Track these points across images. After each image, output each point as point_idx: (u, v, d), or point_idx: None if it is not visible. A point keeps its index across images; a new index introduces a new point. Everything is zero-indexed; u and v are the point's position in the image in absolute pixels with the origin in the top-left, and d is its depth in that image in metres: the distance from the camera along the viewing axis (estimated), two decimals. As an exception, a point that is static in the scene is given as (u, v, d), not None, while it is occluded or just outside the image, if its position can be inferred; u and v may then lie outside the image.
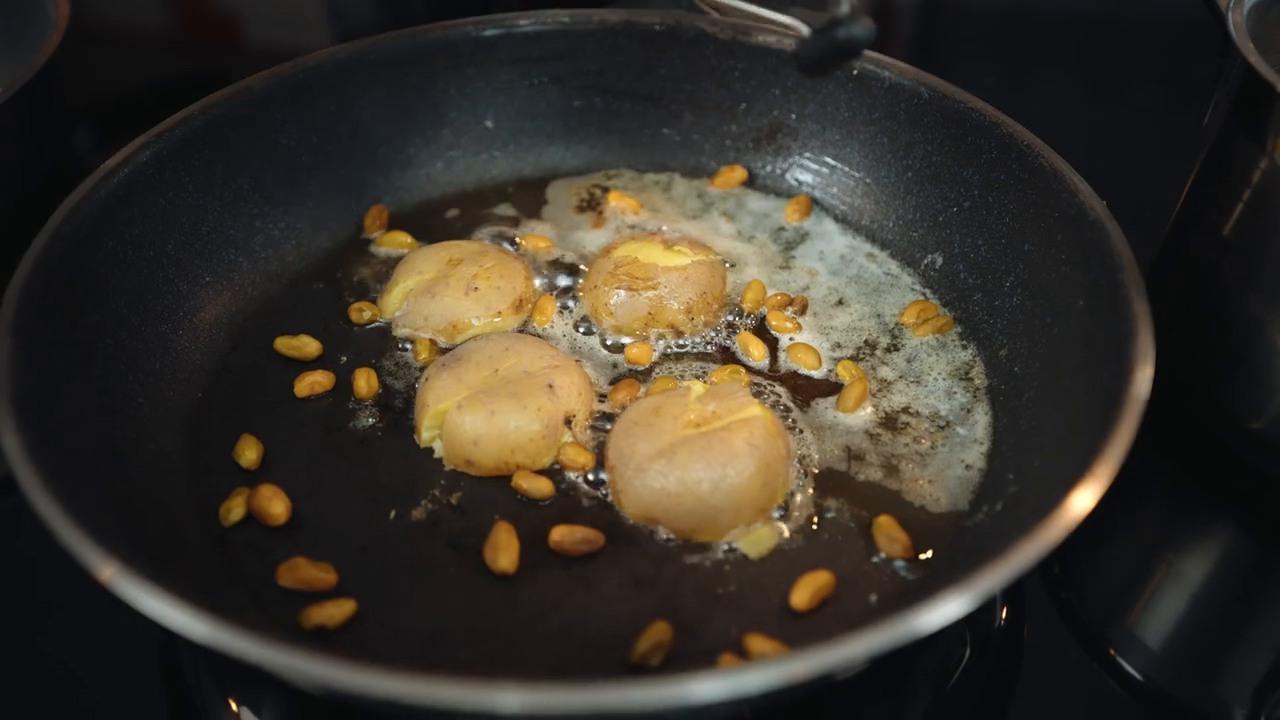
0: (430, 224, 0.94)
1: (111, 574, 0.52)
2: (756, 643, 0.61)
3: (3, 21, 1.07)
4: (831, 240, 0.91)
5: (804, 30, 0.66)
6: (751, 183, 0.97)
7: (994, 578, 0.51)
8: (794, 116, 0.95)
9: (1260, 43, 0.75)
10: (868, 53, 0.89)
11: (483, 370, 0.74)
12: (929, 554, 0.67)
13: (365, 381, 0.78)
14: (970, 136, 0.83)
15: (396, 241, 0.91)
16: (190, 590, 0.53)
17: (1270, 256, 0.72)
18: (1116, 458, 0.56)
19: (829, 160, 0.94)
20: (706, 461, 0.67)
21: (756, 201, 0.96)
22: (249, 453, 0.72)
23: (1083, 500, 0.54)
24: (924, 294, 0.86)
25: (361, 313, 0.84)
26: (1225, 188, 0.76)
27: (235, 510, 0.69)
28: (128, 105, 1.23)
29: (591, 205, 0.96)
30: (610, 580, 0.66)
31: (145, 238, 0.77)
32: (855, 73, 0.90)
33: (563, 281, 0.88)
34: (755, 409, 0.71)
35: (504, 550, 0.66)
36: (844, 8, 0.64)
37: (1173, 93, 1.17)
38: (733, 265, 0.89)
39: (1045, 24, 1.36)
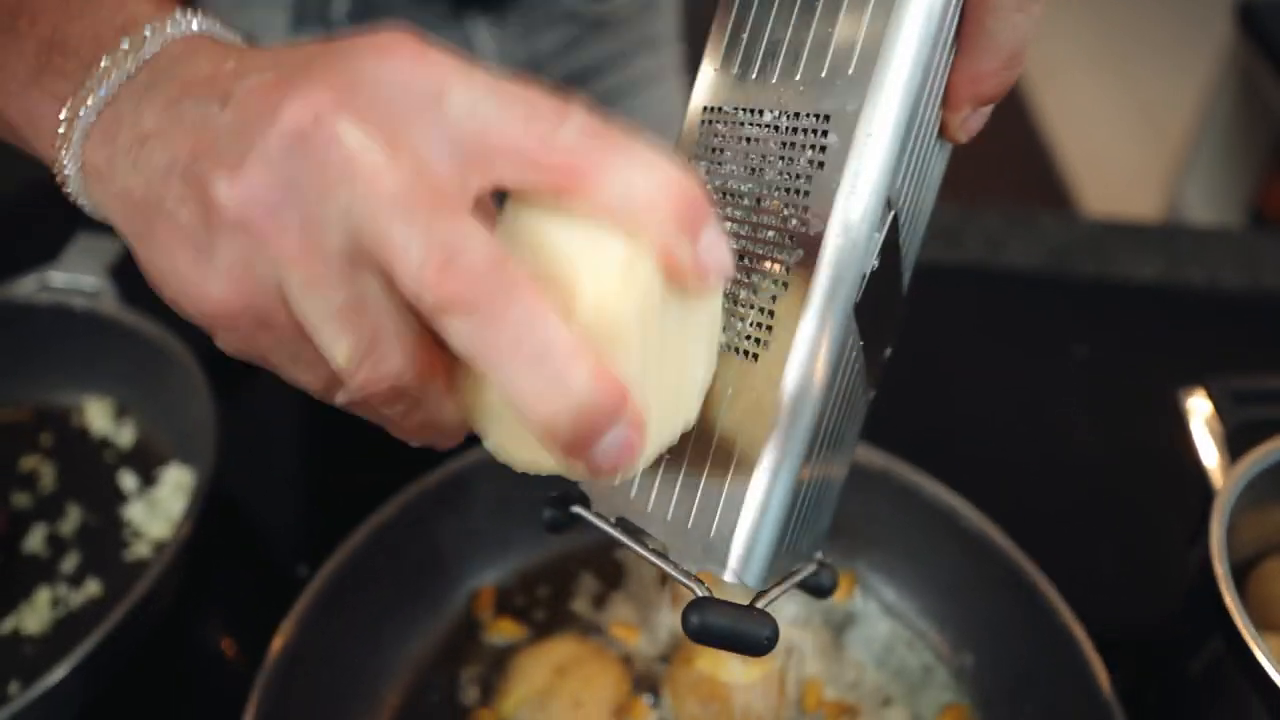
0: (529, 601, 1.09)
1: None
2: None
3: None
4: (875, 625, 1.07)
5: (698, 590, 0.62)
6: (804, 554, 1.12)
7: None
8: (841, 507, 1.10)
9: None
10: (906, 469, 1.05)
11: (597, 808, 0.89)
12: None
13: (495, 804, 0.93)
14: (994, 569, 0.99)
15: (505, 630, 1.06)
16: None
17: (1231, 707, 0.87)
18: None
19: (871, 549, 1.10)
20: None
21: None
22: None
23: None
24: (956, 694, 1.01)
25: (482, 720, 0.99)
26: (1193, 635, 0.91)
27: None
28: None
29: (666, 577, 1.11)
30: None
31: (307, 686, 0.92)
32: (896, 486, 1.06)
33: (651, 674, 1.03)
34: None
35: None
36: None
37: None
38: (791, 654, 1.04)
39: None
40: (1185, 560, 0.94)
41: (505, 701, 0.99)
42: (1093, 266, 1.59)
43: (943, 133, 0.61)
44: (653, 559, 0.65)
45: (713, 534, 0.61)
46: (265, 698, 0.87)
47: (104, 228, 1.35)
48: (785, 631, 1.05)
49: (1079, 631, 0.91)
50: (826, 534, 0.74)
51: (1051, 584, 0.95)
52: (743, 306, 0.61)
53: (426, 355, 0.51)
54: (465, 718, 1.00)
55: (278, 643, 0.91)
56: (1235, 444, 1.00)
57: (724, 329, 0.61)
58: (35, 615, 1.08)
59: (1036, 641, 0.96)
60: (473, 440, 1.09)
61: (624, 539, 0.66)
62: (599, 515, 0.68)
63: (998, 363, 1.43)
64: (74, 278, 1.28)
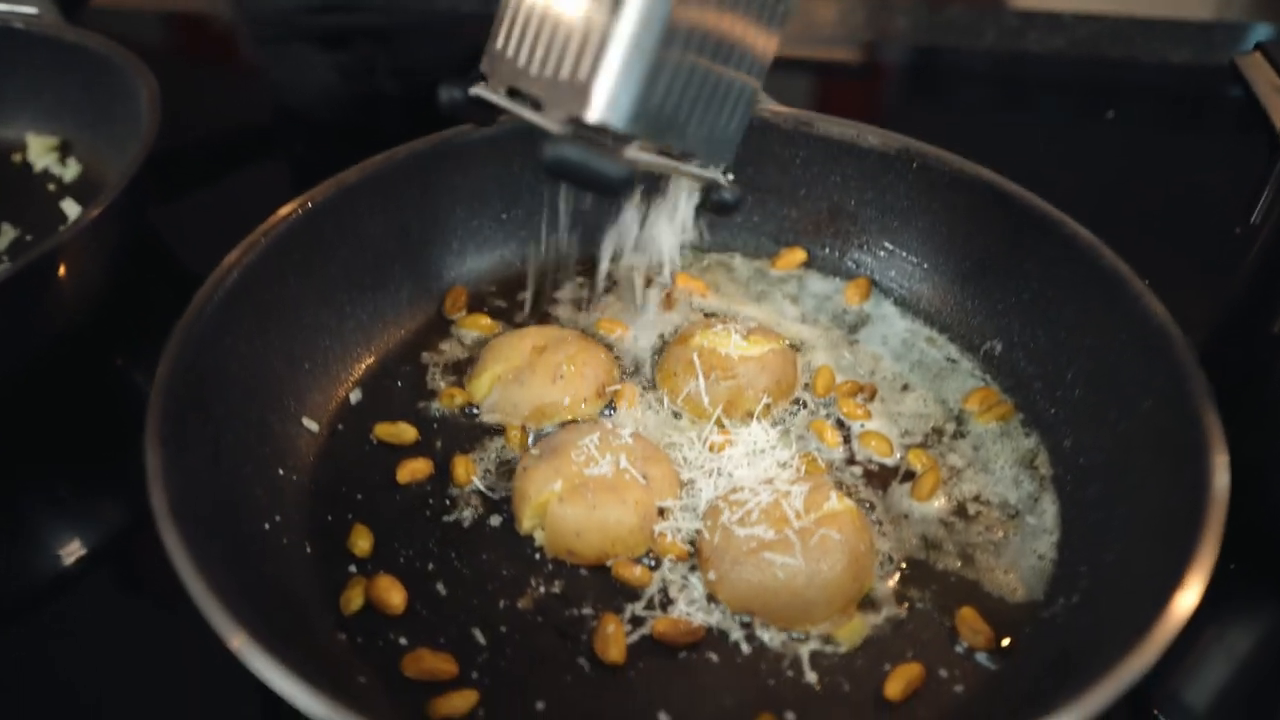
0: (507, 304, 0.98)
1: (241, 642, 0.57)
2: (858, 734, 0.66)
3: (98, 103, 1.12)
4: (892, 324, 0.96)
5: (554, 129, 0.63)
6: (811, 264, 1.01)
7: (1095, 700, 0.56)
8: (852, 203, 1.00)
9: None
10: (928, 146, 0.95)
11: (579, 461, 0.78)
12: (1009, 642, 0.71)
13: (463, 469, 0.82)
14: (1030, 232, 0.88)
15: (478, 324, 0.95)
16: (321, 677, 0.57)
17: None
18: (1204, 573, 0.60)
19: (887, 245, 0.99)
20: (800, 558, 0.71)
21: (817, 283, 1.00)
22: (362, 542, 0.76)
23: (1178, 614, 0.59)
24: (985, 380, 0.90)
25: (453, 399, 0.88)
26: (1276, 289, 0.80)
27: (355, 600, 0.73)
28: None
29: (659, 286, 1.00)
30: (713, 672, 0.70)
31: (255, 331, 0.81)
32: (915, 165, 0.95)
33: (641, 366, 0.92)
34: (841, 504, 0.75)
35: (613, 642, 0.70)
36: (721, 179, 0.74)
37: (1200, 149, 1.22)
38: (800, 349, 0.93)
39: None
40: (1249, 222, 0.84)
41: (477, 381, 0.88)
42: (1118, 53, 1.48)
43: None
44: (524, 113, 0.65)
45: (581, 76, 0.61)
46: (207, 314, 0.76)
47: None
48: (791, 329, 0.94)
49: (1123, 268, 0.81)
50: (731, 150, 0.74)
51: (1090, 230, 0.84)
52: None
53: None
54: (434, 399, 0.89)
55: (229, 260, 0.80)
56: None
57: None
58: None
59: (1075, 299, 0.85)
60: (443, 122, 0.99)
61: (508, 104, 0.67)
62: (493, 90, 0.68)
63: (1024, 124, 1.33)
64: (12, 8, 1.18)
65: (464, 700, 0.67)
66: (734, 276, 1.01)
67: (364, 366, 0.91)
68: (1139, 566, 0.69)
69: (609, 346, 0.93)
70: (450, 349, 0.93)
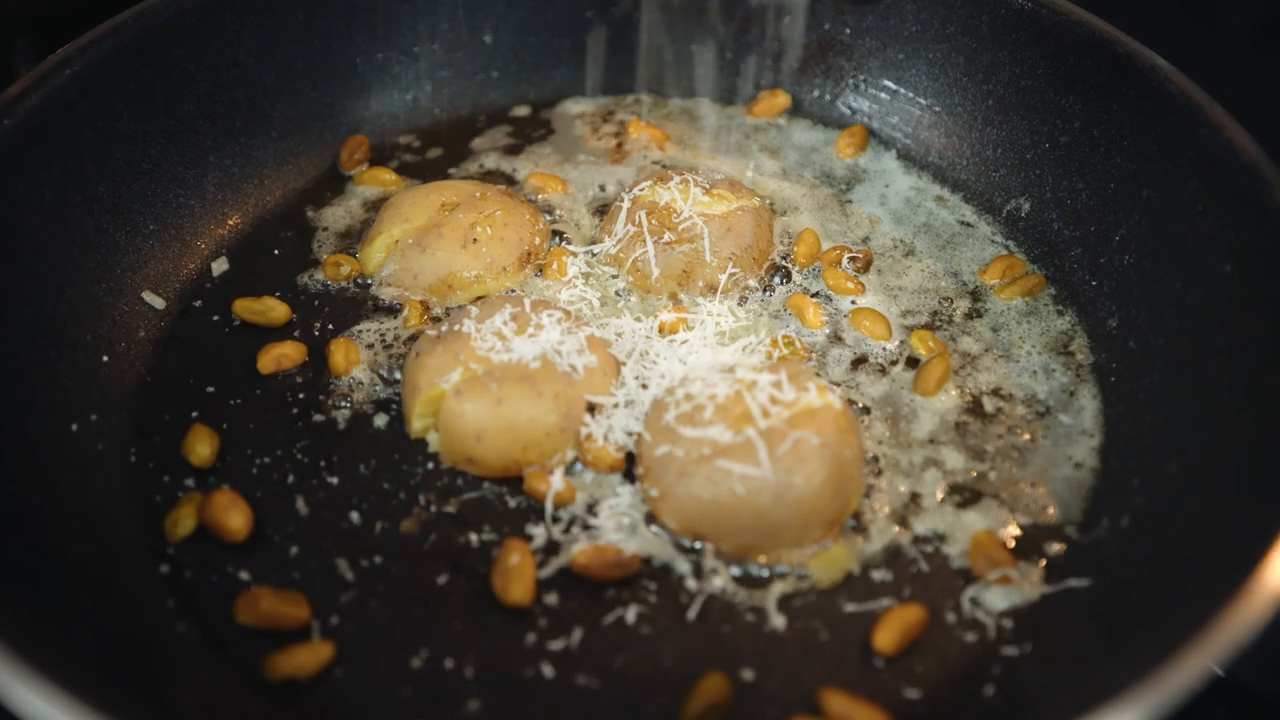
0: (419, 158, 0.80)
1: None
2: (836, 701, 0.49)
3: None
4: (893, 180, 0.78)
5: None
6: (796, 110, 0.83)
7: (1173, 680, 0.39)
8: (848, 31, 0.80)
9: None
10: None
11: (485, 345, 0.60)
12: (1038, 574, 0.55)
13: (343, 355, 0.64)
14: (1073, 57, 0.69)
15: (379, 179, 0.77)
16: (118, 636, 0.41)
17: None
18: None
19: (889, 84, 0.80)
20: (766, 467, 0.54)
21: (802, 133, 0.81)
22: (201, 447, 0.59)
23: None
24: (1007, 247, 0.72)
25: (339, 268, 0.70)
26: None
27: (184, 522, 0.56)
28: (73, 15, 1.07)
29: (608, 135, 0.81)
30: (649, 615, 0.53)
31: (69, 179, 0.63)
32: (929, -22, 0.75)
33: (578, 230, 0.74)
34: (822, 398, 0.58)
35: (517, 578, 0.53)
36: None
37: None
38: (780, 211, 0.75)
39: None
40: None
41: (371, 245, 0.70)
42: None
43: None
44: None
45: None
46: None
47: None
48: (770, 186, 0.76)
49: (1198, 93, 0.62)
50: None
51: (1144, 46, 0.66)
52: None
53: None
54: (317, 269, 0.71)
55: (21, 83, 0.61)
56: None
57: None
58: None
59: (1130, 139, 0.67)
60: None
61: None
62: None
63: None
64: None
65: (313, 656, 0.51)
66: (700, 126, 0.82)
67: (231, 229, 0.73)
68: (1214, 480, 0.52)
69: (539, 205, 0.75)
70: (344, 210, 0.75)
